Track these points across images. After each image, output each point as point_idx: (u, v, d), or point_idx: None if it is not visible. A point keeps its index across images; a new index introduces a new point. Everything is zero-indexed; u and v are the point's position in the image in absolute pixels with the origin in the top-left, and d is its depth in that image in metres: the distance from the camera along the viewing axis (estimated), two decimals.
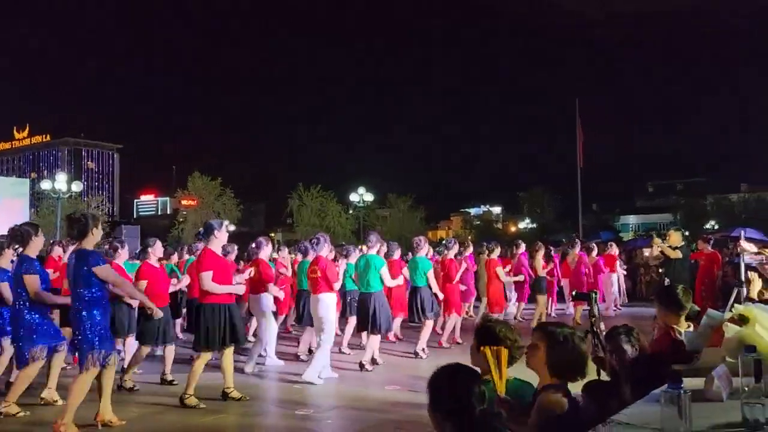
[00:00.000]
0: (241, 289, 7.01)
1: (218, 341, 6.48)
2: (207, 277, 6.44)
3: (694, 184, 64.54)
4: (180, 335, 10.38)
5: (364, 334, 8.60)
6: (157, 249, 7.76)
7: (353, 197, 38.66)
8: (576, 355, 2.82)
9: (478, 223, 61.36)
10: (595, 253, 13.80)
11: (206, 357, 6.66)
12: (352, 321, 9.37)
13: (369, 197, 37.86)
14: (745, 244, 6.68)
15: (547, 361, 2.79)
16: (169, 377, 7.58)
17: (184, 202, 46.82)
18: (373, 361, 8.50)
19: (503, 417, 2.55)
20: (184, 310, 10.14)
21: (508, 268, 12.66)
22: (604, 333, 4.18)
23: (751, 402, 2.23)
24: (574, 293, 6.21)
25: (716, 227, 40.67)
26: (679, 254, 9.70)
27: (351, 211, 41.36)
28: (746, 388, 2.27)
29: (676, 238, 10.27)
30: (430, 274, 9.41)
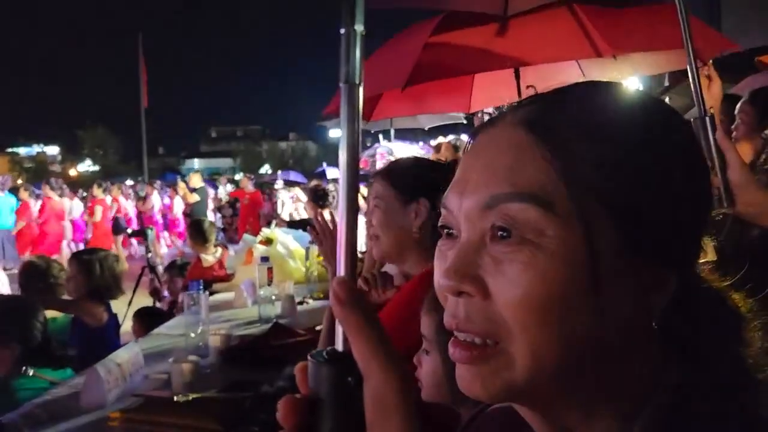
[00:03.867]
0: None
1: None
2: None
3: (252, 131, 69.69)
4: None
5: None
6: None
7: None
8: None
9: (31, 165, 54.39)
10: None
11: None
12: None
13: None
14: (278, 185, 7.95)
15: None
16: None
17: None
18: None
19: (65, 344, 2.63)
20: None
21: None
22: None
23: (265, 302, 2.81)
24: (129, 230, 6.44)
25: (269, 171, 45.10)
26: (196, 197, 11.07)
27: None
28: (261, 291, 2.85)
29: (196, 179, 11.67)
30: None
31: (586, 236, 0.44)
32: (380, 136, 7.82)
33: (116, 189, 13.15)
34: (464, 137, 4.72)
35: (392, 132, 7.14)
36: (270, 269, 2.89)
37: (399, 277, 1.99)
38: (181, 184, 11.66)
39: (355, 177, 0.43)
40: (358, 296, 0.41)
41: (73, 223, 11.23)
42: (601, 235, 0.45)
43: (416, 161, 1.74)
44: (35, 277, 3.45)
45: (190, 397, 1.53)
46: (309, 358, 0.42)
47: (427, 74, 2.75)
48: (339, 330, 0.42)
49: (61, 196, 10.47)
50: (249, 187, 12.44)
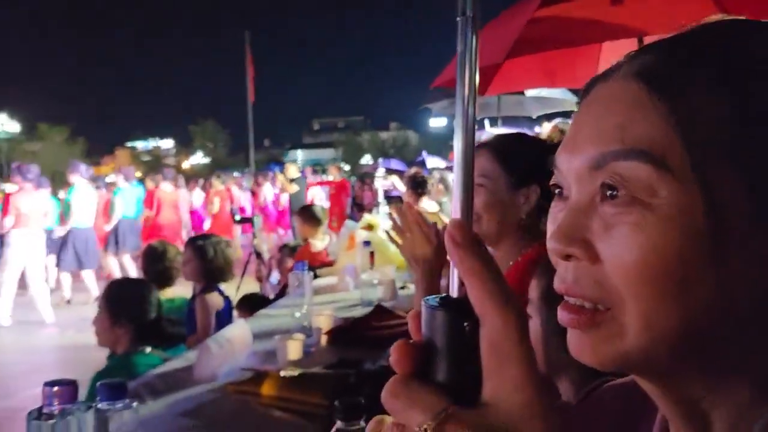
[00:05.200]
0: None
1: None
2: None
3: (354, 122, 70.94)
4: None
5: None
6: None
7: None
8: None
9: (148, 158, 58.20)
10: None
11: None
12: None
13: (13, 127, 32.84)
14: (379, 173, 8.00)
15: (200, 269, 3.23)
16: None
17: None
18: None
19: (177, 323, 2.76)
20: None
21: None
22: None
23: (367, 286, 2.83)
24: (237, 217, 6.69)
25: (371, 161, 45.76)
26: (295, 187, 11.05)
27: None
28: (363, 276, 2.87)
29: (293, 170, 11.68)
30: None
31: (708, 199, 0.40)
32: (486, 122, 7.70)
33: (230, 180, 13.68)
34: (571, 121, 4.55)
35: (499, 120, 7.02)
36: (372, 254, 2.92)
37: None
38: (279, 176, 11.93)
39: (473, 121, 0.41)
40: (474, 238, 0.39)
41: (193, 213, 11.81)
42: (727, 197, 0.40)
43: (531, 141, 1.64)
44: (154, 261, 3.68)
45: (296, 373, 1.57)
46: (423, 303, 0.39)
47: (536, 46, 2.64)
48: (454, 275, 0.39)
49: (176, 187, 11.04)
50: (336, 176, 12.68)
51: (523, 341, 0.37)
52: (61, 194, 9.89)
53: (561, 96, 6.77)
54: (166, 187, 10.35)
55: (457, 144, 0.42)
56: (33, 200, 7.14)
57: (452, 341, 0.37)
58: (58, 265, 8.07)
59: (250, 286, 5.86)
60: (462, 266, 0.38)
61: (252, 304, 3.92)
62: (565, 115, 8.00)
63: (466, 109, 0.40)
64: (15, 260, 7.03)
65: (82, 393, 2.17)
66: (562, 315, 0.46)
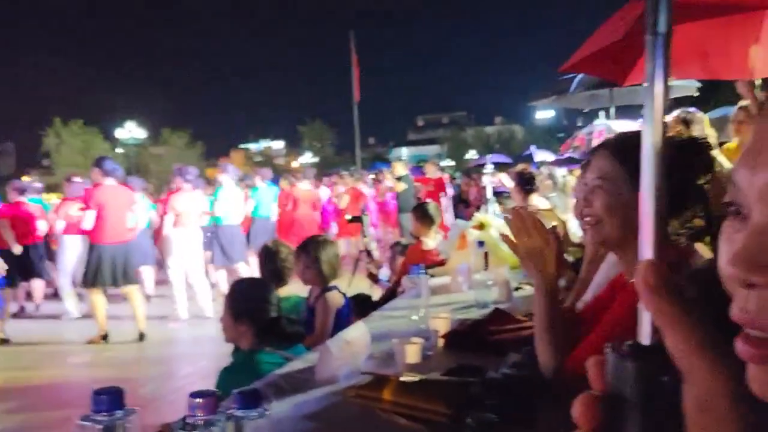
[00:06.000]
0: None
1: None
2: None
3: (458, 117, 70.47)
4: None
5: None
6: None
7: (121, 133, 35.73)
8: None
9: (260, 159, 60.78)
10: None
11: None
12: None
13: (140, 133, 35.33)
14: (487, 170, 7.81)
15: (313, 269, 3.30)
16: None
17: None
18: None
19: (296, 322, 2.83)
20: None
21: None
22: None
23: (481, 287, 2.77)
24: (348, 217, 6.76)
25: (476, 156, 45.31)
26: (402, 185, 10.87)
27: (120, 149, 38.28)
28: (477, 277, 2.81)
29: (400, 168, 11.39)
30: None
31: None
32: (601, 114, 7.37)
33: (353, 178, 13.80)
34: (693, 111, 4.22)
35: (612, 109, 6.69)
36: (486, 254, 2.85)
37: (616, 266, 1.81)
38: (387, 174, 11.80)
39: (661, 136, 0.36)
40: (670, 281, 0.34)
41: (321, 210, 12.07)
42: None
43: None
44: (268, 260, 3.80)
45: (417, 378, 1.55)
46: (609, 351, 0.35)
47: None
48: (645, 320, 0.35)
49: (314, 185, 11.38)
50: (434, 173, 12.35)
51: (739, 402, 0.32)
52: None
53: (678, 83, 6.37)
54: (303, 186, 10.66)
55: (646, 171, 0.38)
56: (191, 200, 7.64)
57: (648, 397, 0.33)
58: (212, 261, 8.59)
59: (362, 284, 5.95)
60: (660, 315, 0.33)
61: (362, 304, 3.97)
62: (683, 101, 7.51)
63: (654, 143, 0.36)
64: (177, 258, 7.57)
65: (212, 385, 2.28)
66: (742, 349, 0.40)
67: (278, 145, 70.22)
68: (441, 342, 2.12)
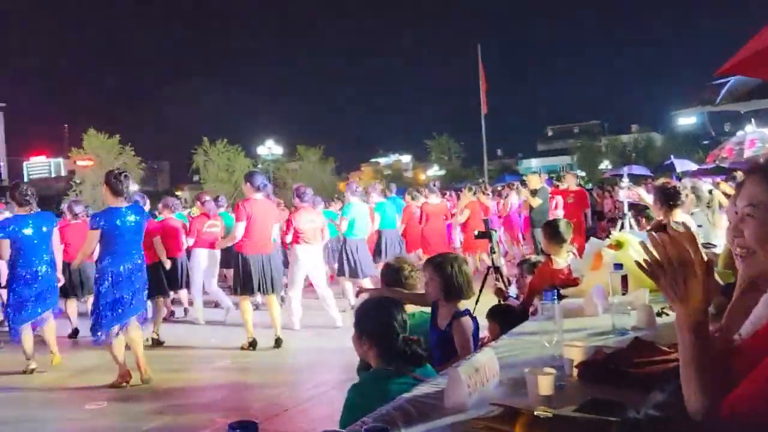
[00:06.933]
0: None
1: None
2: None
3: (590, 126, 67.69)
4: None
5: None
6: None
7: (261, 150, 37.87)
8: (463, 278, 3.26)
9: (389, 172, 61.87)
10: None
11: None
12: None
13: (278, 150, 37.24)
14: (623, 184, 7.39)
15: (442, 288, 3.22)
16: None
17: (79, 163, 44.01)
18: None
19: (422, 343, 2.82)
20: None
21: None
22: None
23: (619, 312, 2.60)
24: (476, 232, 6.64)
25: (609, 166, 43.19)
26: (538, 201, 10.35)
27: (260, 165, 40.57)
28: (615, 301, 2.64)
29: (535, 180, 10.84)
30: None
31: None
32: (752, 120, 6.75)
33: (471, 192, 13.70)
34: None
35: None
36: (624, 277, 2.68)
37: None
38: (522, 189, 11.36)
39: None
40: None
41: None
42: None
43: None
44: (390, 278, 3.83)
45: (551, 414, 1.47)
46: None
47: None
48: None
49: (442, 198, 11.51)
50: (573, 184, 11.77)
51: None
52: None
53: None
54: (433, 200, 10.80)
55: None
56: (310, 218, 8.06)
57: None
58: (340, 273, 8.95)
59: (490, 300, 5.85)
60: None
61: (502, 316, 3.91)
62: None
63: None
64: (298, 273, 7.99)
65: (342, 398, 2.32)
66: None
67: (406, 158, 71.18)
68: (575, 372, 2.02)
